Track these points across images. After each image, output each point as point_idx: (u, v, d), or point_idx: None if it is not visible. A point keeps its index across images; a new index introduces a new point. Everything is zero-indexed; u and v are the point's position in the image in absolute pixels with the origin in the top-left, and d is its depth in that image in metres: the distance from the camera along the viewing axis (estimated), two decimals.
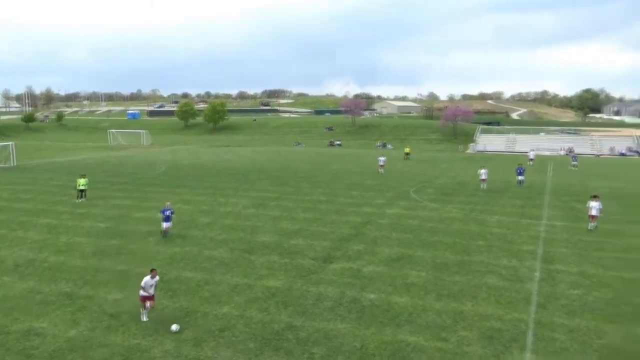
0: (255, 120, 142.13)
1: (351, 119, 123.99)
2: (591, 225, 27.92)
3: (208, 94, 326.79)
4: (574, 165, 60.84)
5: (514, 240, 25.95)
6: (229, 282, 19.55)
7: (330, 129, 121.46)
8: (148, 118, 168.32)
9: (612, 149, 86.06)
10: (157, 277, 16.62)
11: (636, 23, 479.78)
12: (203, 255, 23.01)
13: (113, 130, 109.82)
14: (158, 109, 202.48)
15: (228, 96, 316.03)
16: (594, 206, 27.66)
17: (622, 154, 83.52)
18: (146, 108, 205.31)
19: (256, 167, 59.47)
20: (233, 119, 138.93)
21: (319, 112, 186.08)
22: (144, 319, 16.11)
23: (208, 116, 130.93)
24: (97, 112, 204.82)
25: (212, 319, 16.26)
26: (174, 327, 15.37)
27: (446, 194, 40.28)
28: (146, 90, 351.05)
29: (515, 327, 15.75)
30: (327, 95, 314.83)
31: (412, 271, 20.92)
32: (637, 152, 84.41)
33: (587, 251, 23.93)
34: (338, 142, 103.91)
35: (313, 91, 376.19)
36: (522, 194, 40.07)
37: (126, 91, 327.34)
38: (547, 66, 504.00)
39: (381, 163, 53.12)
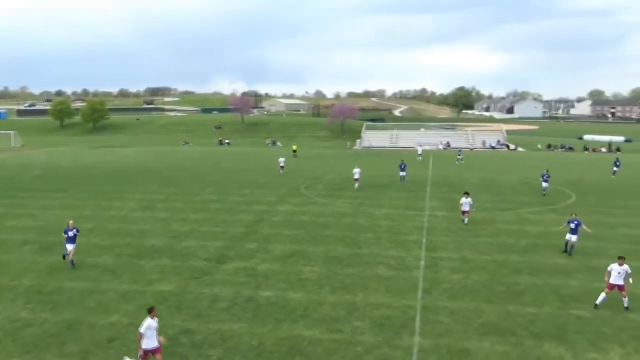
0: (138, 119, 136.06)
1: (240, 117, 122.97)
2: (463, 218, 28.89)
3: (86, 92, 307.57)
4: (459, 159, 63.41)
5: (400, 231, 27.27)
6: (117, 290, 18.62)
7: (219, 127, 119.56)
8: (17, 118, 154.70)
9: (483, 143, 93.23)
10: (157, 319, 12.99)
11: (499, 27, 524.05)
12: (87, 263, 21.68)
13: None
14: (29, 108, 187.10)
15: (108, 94, 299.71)
16: (465, 202, 28.69)
17: (492, 147, 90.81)
18: (15, 107, 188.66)
19: (142, 168, 57.00)
20: (114, 118, 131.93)
21: (207, 111, 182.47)
22: None
23: (87, 115, 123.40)
24: None
25: (100, 330, 15.40)
26: None
27: (335, 189, 41.35)
28: (14, 87, 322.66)
29: (404, 313, 16.60)
30: (215, 94, 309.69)
31: (306, 266, 21.26)
32: (506, 145, 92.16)
33: (466, 238, 25.78)
34: (227, 141, 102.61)
35: (200, 89, 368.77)
36: (406, 187, 42.18)
37: None
38: (425, 65, 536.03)
39: (282, 164, 51.93)
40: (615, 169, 52.27)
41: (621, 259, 17.15)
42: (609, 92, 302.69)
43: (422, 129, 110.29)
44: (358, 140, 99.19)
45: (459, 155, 65.08)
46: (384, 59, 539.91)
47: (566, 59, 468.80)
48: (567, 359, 13.67)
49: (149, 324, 12.56)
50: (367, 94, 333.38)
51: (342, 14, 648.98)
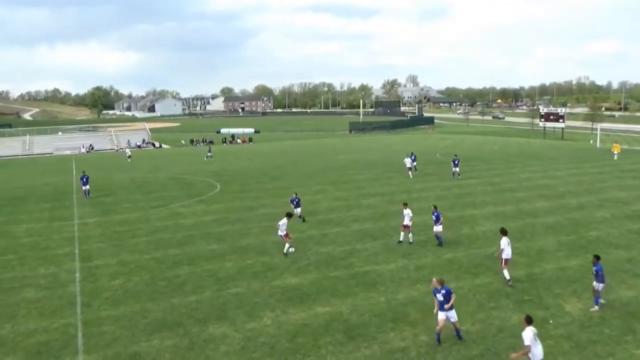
0: None
1: None
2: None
3: None
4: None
5: (48, 246, 24.72)
6: None
7: None
8: None
9: (128, 142, 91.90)
10: None
11: (130, 27, 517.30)
12: None
13: None
14: None
15: None
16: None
17: (138, 146, 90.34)
18: None
19: None
20: None
21: None
22: None
23: None
24: None
25: None
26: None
27: None
28: None
29: (64, 333, 15.20)
30: None
31: None
32: (151, 143, 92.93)
33: (123, 241, 25.11)
34: None
35: None
36: (49, 197, 38.37)
37: None
38: (54, 64, 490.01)
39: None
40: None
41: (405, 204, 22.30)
42: (237, 90, 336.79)
43: (60, 133, 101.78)
44: None
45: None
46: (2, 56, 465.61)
47: (198, 58, 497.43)
48: (230, 334, 14.87)
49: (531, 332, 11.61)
50: None
51: None
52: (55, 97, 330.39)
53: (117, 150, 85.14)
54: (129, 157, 64.43)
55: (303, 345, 14.14)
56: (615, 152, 52.86)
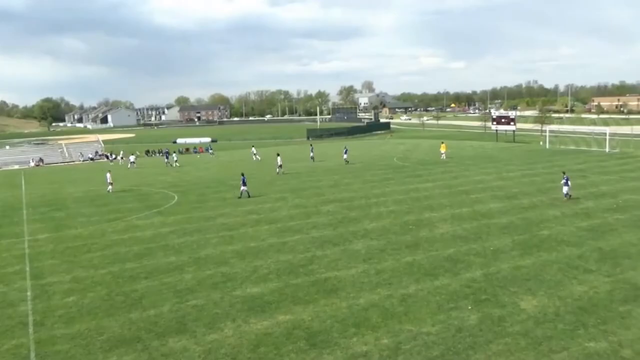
0: None
1: None
2: None
3: None
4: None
5: None
6: None
7: None
8: None
9: (81, 155, 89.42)
10: None
11: (82, 36, 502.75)
12: None
13: None
14: None
15: None
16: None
17: (91, 159, 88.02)
18: None
19: None
20: None
21: None
22: None
23: None
24: None
25: None
26: None
27: None
28: None
29: (15, 355, 14.60)
30: None
31: None
32: (105, 155, 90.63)
33: (76, 256, 24.33)
34: None
35: None
36: None
37: None
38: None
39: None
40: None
41: None
42: (193, 99, 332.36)
43: (7, 147, 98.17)
44: None
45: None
46: None
47: (150, 67, 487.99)
48: (190, 347, 14.61)
49: None
50: None
51: None
52: (2, 109, 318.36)
53: (111, 161, 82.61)
54: (132, 162, 67.08)
55: (265, 354, 14.03)
56: (443, 151, 56.91)
